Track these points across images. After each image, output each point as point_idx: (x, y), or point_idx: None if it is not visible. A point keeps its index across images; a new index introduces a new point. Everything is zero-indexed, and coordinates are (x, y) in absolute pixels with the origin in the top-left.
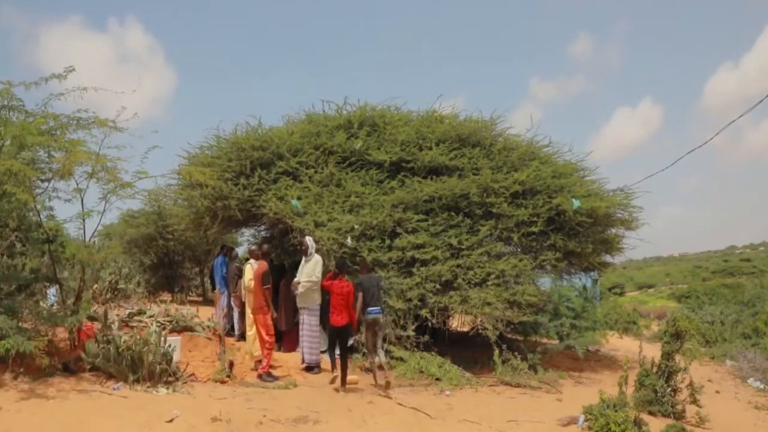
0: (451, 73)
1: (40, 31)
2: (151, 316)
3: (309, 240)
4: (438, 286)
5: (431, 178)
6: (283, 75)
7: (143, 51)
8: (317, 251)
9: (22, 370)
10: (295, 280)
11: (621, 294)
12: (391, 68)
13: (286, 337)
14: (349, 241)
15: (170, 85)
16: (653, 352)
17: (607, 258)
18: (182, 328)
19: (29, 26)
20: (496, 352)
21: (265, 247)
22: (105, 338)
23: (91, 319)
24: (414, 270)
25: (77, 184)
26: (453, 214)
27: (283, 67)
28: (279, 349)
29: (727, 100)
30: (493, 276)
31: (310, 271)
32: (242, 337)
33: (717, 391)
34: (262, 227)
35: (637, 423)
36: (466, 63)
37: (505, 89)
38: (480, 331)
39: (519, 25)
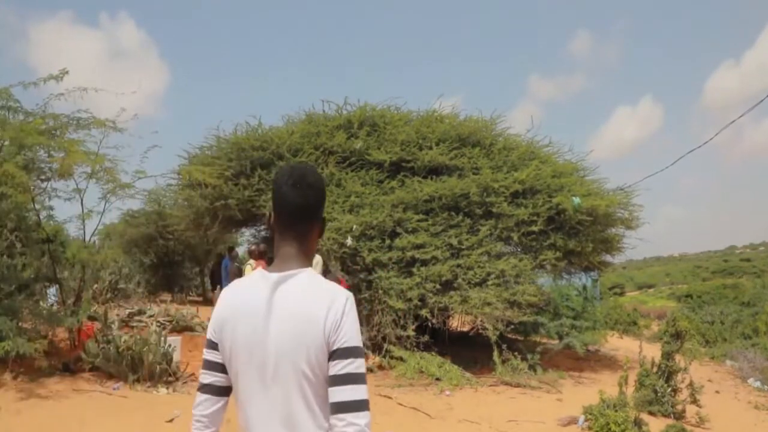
0: (451, 72)
1: (30, 26)
2: (151, 316)
3: None
4: (438, 286)
5: (431, 178)
6: (283, 75)
7: (136, 47)
8: (317, 251)
9: (22, 370)
10: None
11: (621, 294)
12: (391, 68)
13: None
14: (349, 241)
15: (164, 81)
16: (653, 352)
17: (607, 258)
18: (182, 328)
19: (18, 21)
20: (496, 352)
21: (262, 246)
22: (105, 338)
23: (91, 319)
24: (414, 270)
25: (77, 184)
26: (453, 214)
27: (283, 67)
28: None
29: (728, 99)
30: (493, 276)
31: None
32: None
33: (717, 391)
34: (262, 227)
35: (637, 423)
36: (466, 61)
37: (505, 87)
38: (480, 331)
39: (518, 23)
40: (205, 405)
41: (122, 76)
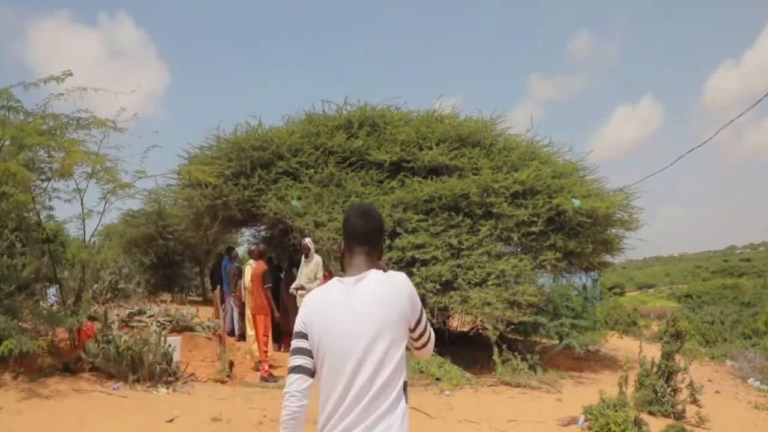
0: (450, 72)
1: (27, 25)
2: (151, 316)
3: (309, 241)
4: (438, 286)
5: (431, 178)
6: (283, 75)
7: (135, 46)
8: (317, 251)
9: (22, 370)
10: (295, 283)
11: (621, 294)
12: (391, 68)
13: (286, 337)
14: None
15: (164, 81)
16: (653, 352)
17: (607, 258)
18: (182, 328)
19: (16, 20)
20: (496, 352)
21: (261, 246)
22: (105, 338)
23: (91, 319)
24: (414, 270)
25: (77, 185)
26: (453, 214)
27: (283, 67)
28: (279, 349)
29: (728, 98)
30: (493, 276)
31: (310, 273)
32: (242, 337)
33: (717, 391)
34: (262, 227)
35: (637, 423)
36: (465, 61)
37: (505, 87)
38: (480, 331)
39: (518, 22)
40: (299, 382)
41: (121, 75)
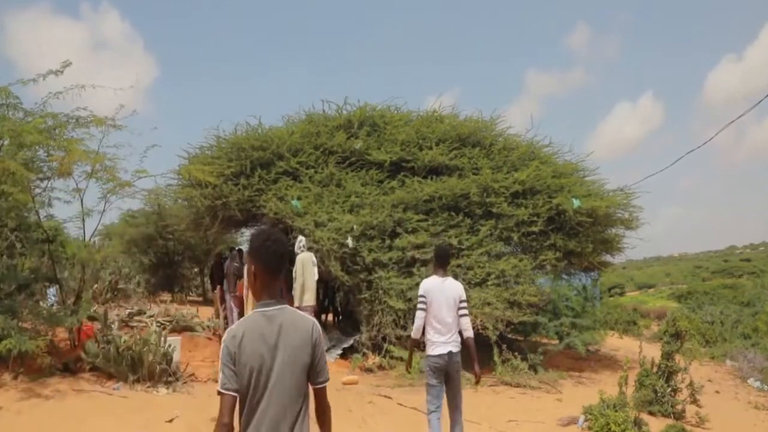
0: (447, 67)
1: (6, 17)
2: (151, 316)
3: (298, 239)
4: None
5: (431, 178)
6: (279, 73)
7: (120, 38)
8: (316, 252)
9: (22, 370)
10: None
11: (621, 294)
12: (388, 63)
13: None
14: (349, 241)
15: (151, 75)
16: (653, 352)
17: (607, 257)
18: (182, 328)
19: None
20: (496, 351)
21: None
22: (105, 338)
23: (91, 319)
24: (414, 270)
25: (76, 184)
26: (453, 214)
27: (278, 64)
28: None
29: (729, 95)
30: (493, 276)
31: (294, 273)
32: None
33: (717, 391)
34: (262, 228)
35: (637, 423)
36: (462, 56)
37: (502, 82)
38: (480, 331)
39: (515, 16)
40: (423, 316)
41: (106, 68)
